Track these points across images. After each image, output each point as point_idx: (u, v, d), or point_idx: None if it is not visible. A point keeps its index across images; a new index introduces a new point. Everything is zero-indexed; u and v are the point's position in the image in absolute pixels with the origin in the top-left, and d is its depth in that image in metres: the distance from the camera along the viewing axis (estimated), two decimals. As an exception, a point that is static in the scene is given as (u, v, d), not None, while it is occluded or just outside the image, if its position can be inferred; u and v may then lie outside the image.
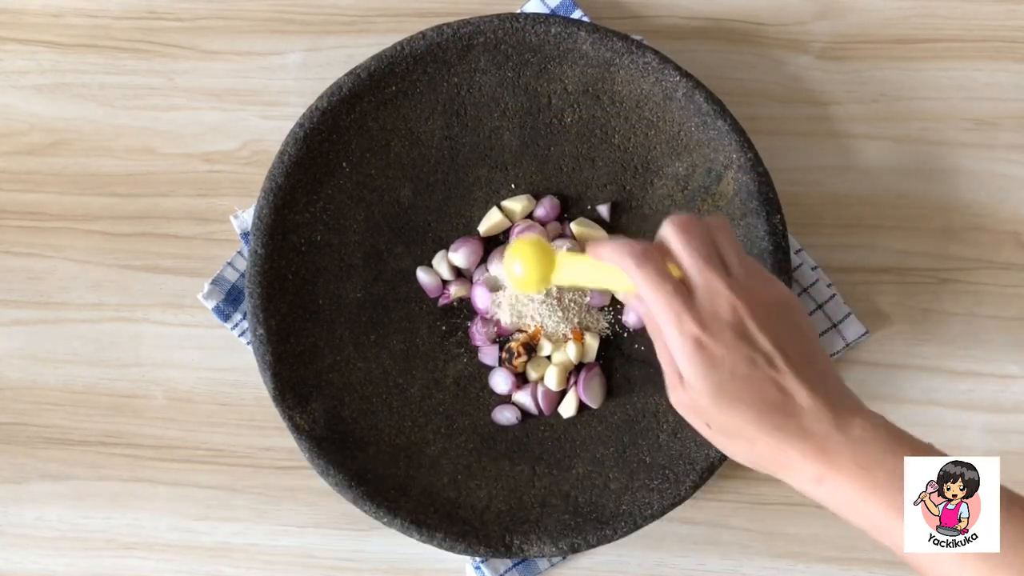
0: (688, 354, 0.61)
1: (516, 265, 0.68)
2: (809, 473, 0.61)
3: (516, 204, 0.79)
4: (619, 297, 0.70)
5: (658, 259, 0.63)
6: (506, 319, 0.78)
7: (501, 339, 0.80)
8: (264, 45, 0.83)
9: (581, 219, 0.80)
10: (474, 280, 0.80)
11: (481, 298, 0.79)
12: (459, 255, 0.79)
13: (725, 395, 0.61)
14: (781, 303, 0.64)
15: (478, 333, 0.79)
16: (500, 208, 0.80)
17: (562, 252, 0.68)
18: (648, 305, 0.63)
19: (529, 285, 0.68)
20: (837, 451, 0.60)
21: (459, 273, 0.80)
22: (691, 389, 0.62)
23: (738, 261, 0.64)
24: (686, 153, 0.78)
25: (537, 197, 0.80)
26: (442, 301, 0.80)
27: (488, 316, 0.79)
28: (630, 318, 0.79)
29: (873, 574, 0.81)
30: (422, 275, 0.80)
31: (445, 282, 0.80)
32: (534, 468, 0.79)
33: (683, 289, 0.62)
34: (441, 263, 0.80)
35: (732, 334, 0.61)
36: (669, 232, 0.64)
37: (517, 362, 0.79)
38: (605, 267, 0.65)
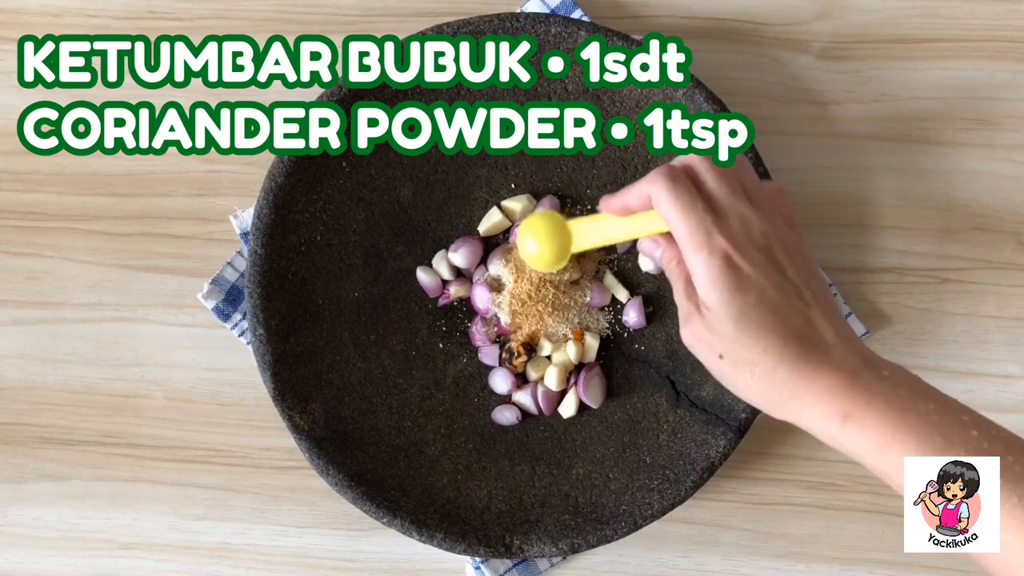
0: (715, 274, 0.59)
1: (530, 243, 0.67)
2: (833, 407, 0.58)
3: (516, 204, 0.79)
4: (640, 247, 0.67)
5: (688, 181, 0.61)
6: (506, 319, 0.78)
7: (501, 339, 0.80)
8: (264, 45, 0.83)
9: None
10: (474, 280, 0.80)
11: (481, 298, 0.79)
12: (459, 255, 0.79)
13: (749, 320, 0.59)
14: (802, 243, 0.63)
15: (478, 333, 0.79)
16: (500, 208, 0.80)
17: (575, 220, 0.67)
18: (676, 225, 0.61)
19: (547, 262, 0.67)
20: (868, 387, 0.58)
21: (459, 273, 0.80)
22: (711, 314, 0.60)
23: (760, 196, 0.63)
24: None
25: (537, 197, 0.80)
26: (442, 301, 0.80)
27: (488, 316, 0.79)
28: (630, 318, 0.79)
29: (874, 574, 0.81)
30: (422, 275, 0.80)
31: (445, 282, 0.80)
32: (534, 468, 0.79)
33: (713, 210, 0.61)
34: (441, 263, 0.80)
35: (763, 257, 0.60)
36: (697, 160, 0.62)
37: (517, 362, 0.78)
38: (621, 219, 0.64)
